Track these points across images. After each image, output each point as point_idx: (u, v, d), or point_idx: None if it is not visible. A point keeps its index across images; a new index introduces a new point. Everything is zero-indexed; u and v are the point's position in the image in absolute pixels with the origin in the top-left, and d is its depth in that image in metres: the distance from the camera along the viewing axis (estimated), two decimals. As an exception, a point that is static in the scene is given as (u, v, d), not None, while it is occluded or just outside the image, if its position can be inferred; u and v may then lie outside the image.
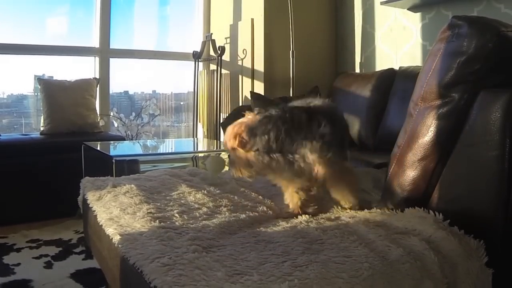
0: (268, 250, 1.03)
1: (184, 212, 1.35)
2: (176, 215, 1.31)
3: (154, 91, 4.59)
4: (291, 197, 1.36)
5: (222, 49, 3.89)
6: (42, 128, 3.51)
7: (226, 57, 4.00)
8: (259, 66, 3.71)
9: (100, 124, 3.74)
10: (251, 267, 0.93)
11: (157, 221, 1.24)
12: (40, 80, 3.59)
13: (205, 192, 1.58)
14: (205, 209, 1.38)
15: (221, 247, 1.07)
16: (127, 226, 1.25)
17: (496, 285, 1.10)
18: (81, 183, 1.80)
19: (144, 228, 1.20)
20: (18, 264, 2.27)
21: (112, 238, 1.22)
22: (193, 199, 1.50)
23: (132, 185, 1.62)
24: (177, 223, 1.24)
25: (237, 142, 1.23)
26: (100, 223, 1.35)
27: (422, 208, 1.23)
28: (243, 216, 1.31)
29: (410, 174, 1.29)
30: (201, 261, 0.96)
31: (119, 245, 1.14)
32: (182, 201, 1.48)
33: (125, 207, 1.41)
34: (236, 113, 3.38)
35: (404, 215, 1.22)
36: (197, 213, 1.34)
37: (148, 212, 1.33)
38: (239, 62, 3.91)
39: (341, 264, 0.94)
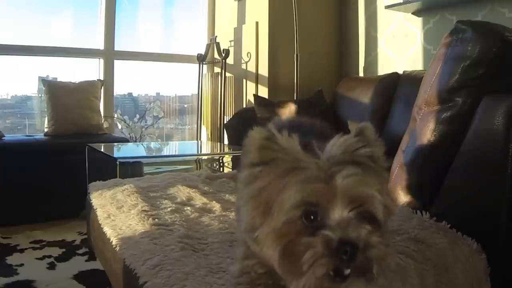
0: None
1: (177, 210, 1.38)
2: (169, 213, 1.34)
3: (158, 94, 4.60)
4: None
5: (227, 52, 3.90)
6: (46, 130, 3.53)
7: (230, 60, 4.00)
8: (263, 69, 3.71)
9: (104, 126, 3.75)
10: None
11: (150, 218, 1.27)
12: (44, 81, 3.61)
13: (199, 190, 1.62)
14: (197, 207, 1.42)
15: (209, 244, 1.09)
16: (122, 224, 1.28)
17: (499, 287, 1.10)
18: (88, 187, 1.81)
19: (138, 226, 1.23)
20: (21, 265, 2.28)
21: (110, 239, 1.23)
22: (187, 197, 1.55)
23: (131, 184, 1.64)
24: (169, 220, 1.27)
25: None
26: (102, 225, 1.37)
27: (413, 209, 1.24)
28: (233, 214, 1.33)
29: (414, 178, 1.29)
30: (189, 259, 0.98)
31: (117, 247, 1.16)
32: (177, 200, 1.52)
33: (121, 205, 1.44)
34: (240, 116, 3.39)
35: None
36: (189, 211, 1.37)
37: (142, 210, 1.35)
38: (243, 65, 3.92)
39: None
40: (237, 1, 4.06)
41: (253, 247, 0.75)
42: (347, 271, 0.65)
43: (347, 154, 0.70)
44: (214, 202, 1.48)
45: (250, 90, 3.84)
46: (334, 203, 0.67)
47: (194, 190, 1.64)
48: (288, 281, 0.70)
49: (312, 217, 0.67)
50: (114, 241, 1.19)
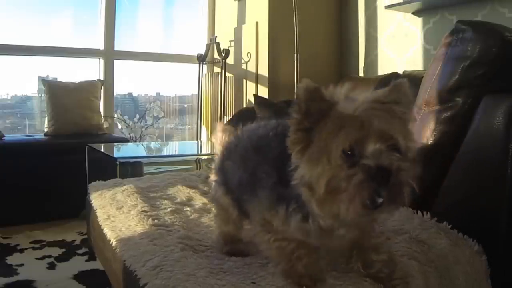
0: (254, 251, 1.04)
1: (176, 210, 1.38)
2: (169, 213, 1.33)
3: (158, 94, 4.60)
4: None
5: (227, 52, 3.90)
6: (46, 130, 3.53)
7: (230, 60, 4.00)
8: (263, 69, 3.71)
9: (104, 126, 3.75)
10: (236, 267, 0.95)
11: (150, 219, 1.27)
12: (44, 81, 3.61)
13: (199, 191, 1.62)
14: (197, 207, 1.42)
15: (209, 246, 1.09)
16: (121, 225, 1.28)
17: (499, 288, 1.10)
18: (88, 187, 1.81)
19: (137, 227, 1.23)
20: (21, 265, 2.28)
21: (110, 240, 1.23)
22: (187, 197, 1.55)
23: (131, 185, 1.64)
24: (169, 221, 1.27)
25: None
26: (102, 226, 1.37)
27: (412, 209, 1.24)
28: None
29: (414, 178, 1.29)
30: (189, 260, 0.98)
31: (117, 249, 1.15)
32: (176, 200, 1.52)
33: (121, 206, 1.44)
34: (240, 116, 3.39)
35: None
36: (189, 212, 1.37)
37: (142, 211, 1.35)
38: (243, 65, 3.92)
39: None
40: (237, 1, 4.06)
41: (306, 194, 0.81)
42: (380, 200, 0.73)
43: (378, 103, 0.80)
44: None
45: (250, 90, 3.84)
46: (368, 140, 0.75)
47: (194, 190, 1.64)
48: (327, 213, 0.79)
49: (349, 153, 0.75)
50: (114, 242, 1.19)
